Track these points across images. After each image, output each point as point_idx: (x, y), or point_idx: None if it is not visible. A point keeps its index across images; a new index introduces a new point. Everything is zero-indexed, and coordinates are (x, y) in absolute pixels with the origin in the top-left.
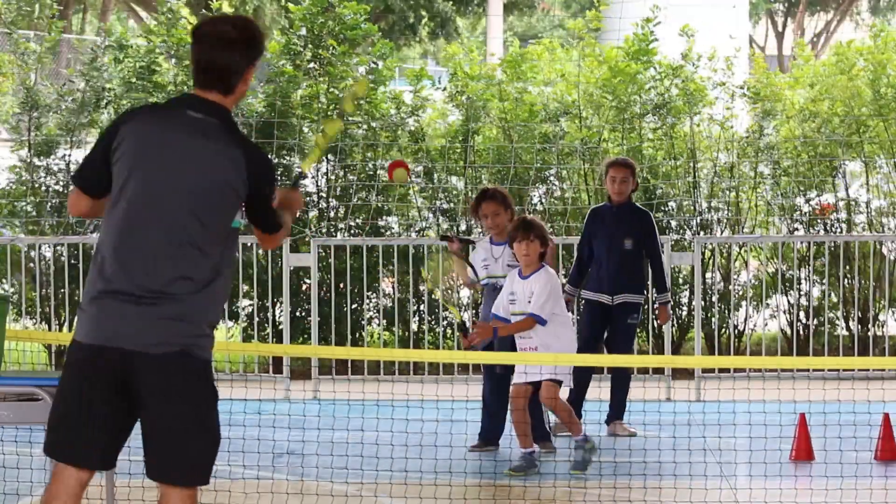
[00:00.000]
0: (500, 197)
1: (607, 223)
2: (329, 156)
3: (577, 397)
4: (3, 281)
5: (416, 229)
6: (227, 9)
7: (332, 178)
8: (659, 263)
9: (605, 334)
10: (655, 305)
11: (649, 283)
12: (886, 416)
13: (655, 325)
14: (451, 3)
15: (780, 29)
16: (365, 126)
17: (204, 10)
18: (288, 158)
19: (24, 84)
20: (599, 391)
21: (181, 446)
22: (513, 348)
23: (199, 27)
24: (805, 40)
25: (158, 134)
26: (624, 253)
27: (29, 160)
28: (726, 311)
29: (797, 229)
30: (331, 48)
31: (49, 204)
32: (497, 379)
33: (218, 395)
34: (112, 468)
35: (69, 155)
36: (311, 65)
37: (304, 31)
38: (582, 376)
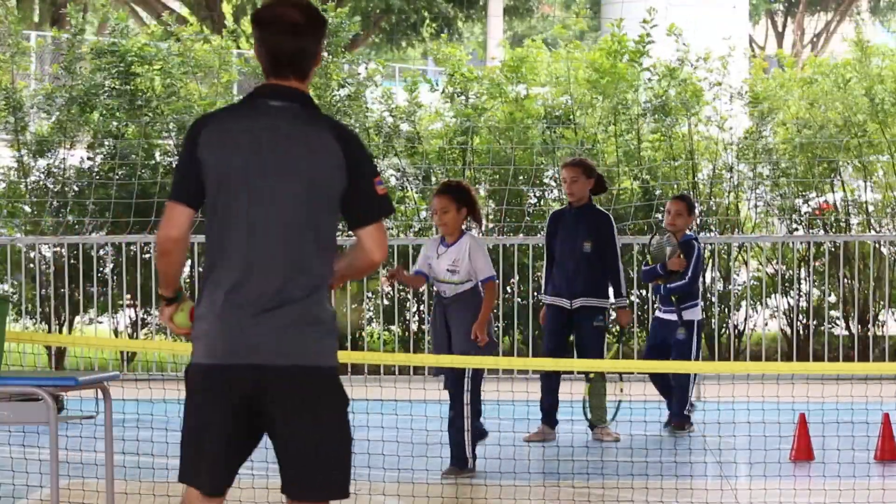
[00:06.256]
0: (453, 191)
1: (566, 225)
2: None
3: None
4: (4, 281)
5: (415, 230)
6: (226, 9)
7: None
8: (615, 268)
9: (573, 339)
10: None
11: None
12: (886, 417)
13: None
14: (451, 3)
15: (780, 29)
16: (358, 127)
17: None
18: None
19: (5, 85)
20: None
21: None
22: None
23: (262, 14)
24: (785, 50)
25: (244, 133)
26: (583, 256)
27: (21, 160)
28: (726, 312)
29: (797, 229)
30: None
31: (49, 204)
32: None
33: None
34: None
35: (67, 156)
36: None
37: None
38: (552, 383)
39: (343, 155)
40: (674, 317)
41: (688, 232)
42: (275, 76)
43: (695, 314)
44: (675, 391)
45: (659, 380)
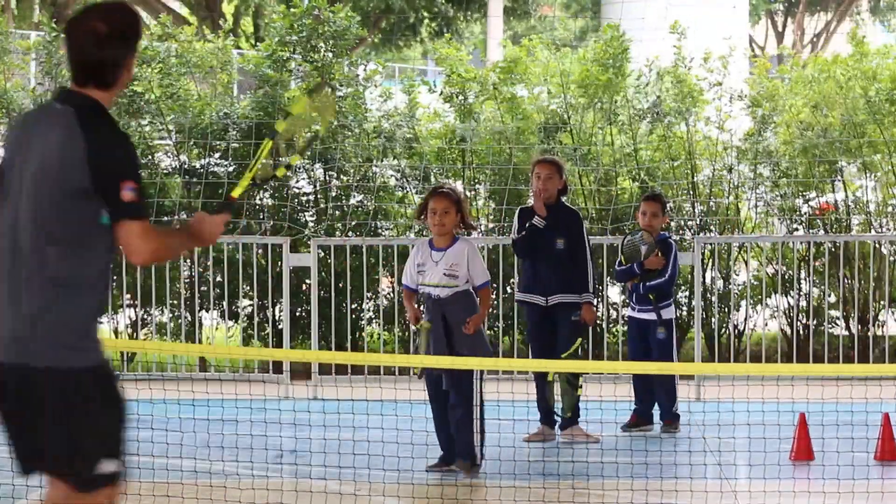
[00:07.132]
0: (454, 196)
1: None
2: (323, 160)
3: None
4: None
5: (416, 230)
6: (227, 8)
7: (326, 180)
8: (583, 263)
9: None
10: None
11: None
12: (886, 417)
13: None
14: (451, 4)
15: (780, 29)
16: (357, 129)
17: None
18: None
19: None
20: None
21: None
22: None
23: (69, 21)
24: (799, 43)
25: (16, 135)
26: (556, 253)
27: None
28: (726, 312)
29: (797, 229)
30: (321, 49)
31: None
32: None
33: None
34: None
35: None
36: (301, 67)
37: (293, 38)
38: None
39: (87, 154)
40: (651, 316)
41: (661, 231)
42: (74, 82)
43: (671, 312)
44: (660, 390)
45: (641, 380)
